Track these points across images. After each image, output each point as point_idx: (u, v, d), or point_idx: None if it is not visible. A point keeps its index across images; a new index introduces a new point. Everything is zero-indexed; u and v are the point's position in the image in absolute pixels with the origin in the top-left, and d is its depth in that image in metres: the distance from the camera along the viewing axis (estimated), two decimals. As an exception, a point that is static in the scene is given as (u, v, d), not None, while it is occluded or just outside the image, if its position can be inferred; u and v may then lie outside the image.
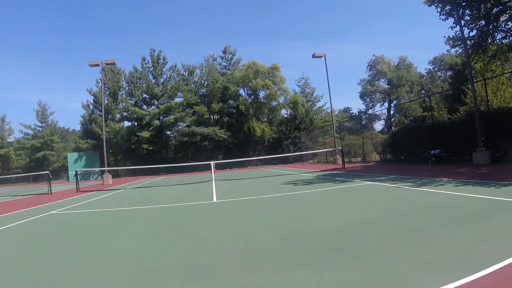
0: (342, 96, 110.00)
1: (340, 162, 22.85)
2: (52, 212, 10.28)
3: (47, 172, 20.43)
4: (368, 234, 4.61)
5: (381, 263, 3.43)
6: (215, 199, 10.23)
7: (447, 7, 18.17)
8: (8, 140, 52.72)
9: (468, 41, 17.85)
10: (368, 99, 60.56)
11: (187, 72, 48.41)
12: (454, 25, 18.29)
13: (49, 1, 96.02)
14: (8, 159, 48.26)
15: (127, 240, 5.57)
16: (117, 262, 4.26)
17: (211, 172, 22.35)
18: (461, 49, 18.97)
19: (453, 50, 21.02)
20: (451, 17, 18.19)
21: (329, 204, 7.79)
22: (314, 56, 30.13)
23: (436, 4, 18.73)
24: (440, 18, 18.63)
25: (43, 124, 50.35)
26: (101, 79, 33.47)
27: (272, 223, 5.95)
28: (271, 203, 8.58)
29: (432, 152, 18.20)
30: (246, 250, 4.28)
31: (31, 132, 49.21)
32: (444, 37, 19.42)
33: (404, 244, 3.98)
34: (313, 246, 4.21)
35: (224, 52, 49.57)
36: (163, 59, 46.20)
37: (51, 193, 18.43)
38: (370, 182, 11.40)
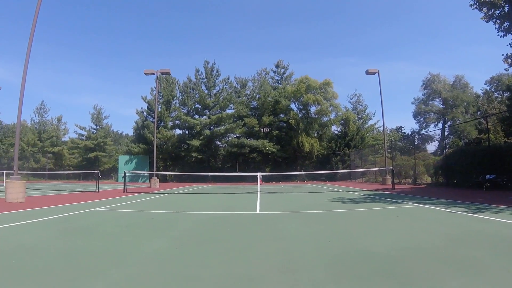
0: (394, 114, 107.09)
1: (390, 183, 21.81)
2: (96, 208, 10.29)
3: (96, 171, 20.90)
4: (418, 260, 4.03)
5: None
6: (258, 211, 9.80)
7: (506, 24, 17.24)
8: (63, 139, 55.93)
9: None
10: (421, 119, 58.56)
11: (239, 85, 49.03)
12: None
13: (111, 6, 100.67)
14: (61, 157, 50.80)
15: (164, 243, 5.27)
16: (150, 264, 3.94)
17: (257, 184, 22.07)
18: None
19: (511, 69, 19.76)
20: (510, 34, 17.24)
21: (377, 225, 7.11)
22: (367, 72, 29.41)
23: (494, 20, 17.81)
24: (498, 35, 17.69)
25: (98, 127, 52.57)
26: (155, 88, 34.24)
27: (316, 240, 5.42)
28: (316, 219, 8.03)
29: (487, 177, 17.00)
30: (286, 265, 3.84)
31: (85, 133, 51.53)
32: (503, 55, 18.30)
33: (456, 274, 3.45)
34: (358, 269, 3.69)
35: (277, 66, 49.70)
36: (217, 71, 46.94)
37: (98, 191, 18.73)
38: (421, 205, 10.53)
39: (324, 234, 6.02)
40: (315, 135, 46.58)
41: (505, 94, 44.23)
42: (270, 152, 42.92)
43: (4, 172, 26.12)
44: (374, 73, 29.32)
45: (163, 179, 39.87)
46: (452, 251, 4.53)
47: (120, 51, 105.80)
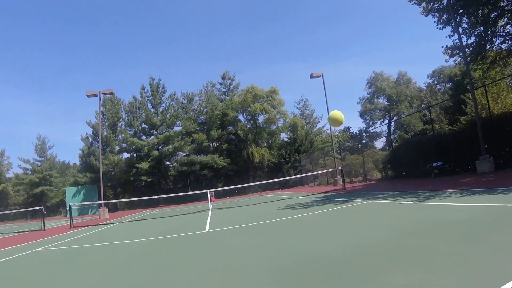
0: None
1: (341, 183, 22.04)
2: (39, 249, 9.80)
3: (41, 208, 19.91)
4: (366, 257, 4.00)
5: None
6: (207, 229, 9.65)
7: (444, 16, 18.14)
8: (7, 175, 52.75)
9: (466, 49, 17.64)
10: (368, 117, 60.18)
11: (186, 100, 48.69)
12: (452, 33, 18.28)
13: (52, 19, 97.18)
14: (6, 195, 48.12)
15: (100, 277, 5.09)
16: None
17: (208, 202, 21.67)
18: (460, 58, 18.58)
19: (451, 60, 20.54)
20: (448, 26, 18.16)
21: (326, 227, 7.12)
22: (312, 76, 29.83)
23: (433, 14, 18.74)
24: (437, 28, 18.63)
25: (42, 159, 50.30)
26: (99, 110, 32.97)
27: (261, 251, 5.38)
28: (265, 229, 7.97)
29: (434, 164, 17.49)
30: (227, 281, 3.80)
31: (29, 166, 49.10)
32: (442, 47, 19.21)
33: (407, 268, 3.37)
34: (303, 274, 3.63)
35: (223, 78, 49.89)
36: (162, 87, 46.41)
37: (44, 229, 17.95)
38: (371, 201, 10.75)
39: (270, 244, 6.01)
40: (265, 144, 46.94)
41: (448, 85, 46.08)
42: (221, 166, 42.51)
43: None
44: (318, 77, 29.82)
45: (114, 208, 38.61)
46: (402, 243, 4.49)
47: (61, 71, 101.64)
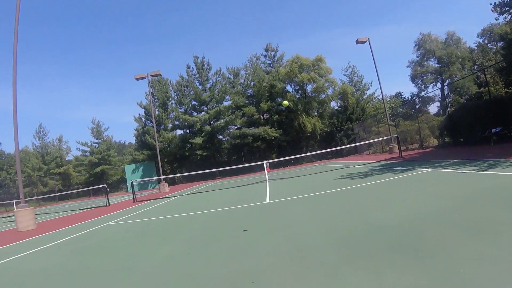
0: (392, 80, 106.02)
1: (397, 151, 21.50)
2: (108, 223, 10.28)
3: (104, 185, 20.84)
4: (431, 229, 3.91)
5: (446, 263, 2.81)
6: (268, 200, 9.70)
7: None
8: (67, 158, 55.77)
9: None
10: (419, 81, 57.67)
11: (232, 75, 48.57)
12: None
13: (91, 16, 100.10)
14: (68, 176, 51.03)
15: (174, 248, 5.26)
16: (162, 271, 3.96)
17: (265, 172, 21.94)
18: (510, 15, 17.42)
19: (501, 18, 19.38)
20: None
21: (388, 196, 6.96)
22: (357, 42, 28.94)
23: None
24: None
25: (99, 140, 52.43)
26: (149, 91, 33.96)
27: (325, 222, 5.35)
28: (326, 200, 7.90)
29: (493, 130, 16.75)
30: (295, 253, 3.77)
31: (88, 149, 51.42)
32: (490, 4, 17.99)
33: (472, 239, 3.29)
34: (370, 245, 3.60)
35: (267, 50, 49.10)
36: (208, 65, 46.59)
37: (109, 205, 18.78)
38: (431, 169, 10.27)
39: (334, 215, 5.92)
40: (315, 113, 46.27)
41: (499, 44, 43.58)
42: (273, 137, 42.77)
43: (14, 201, 26.30)
44: (364, 42, 28.87)
45: (172, 182, 39.90)
46: (466, 214, 4.39)
47: (109, 59, 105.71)
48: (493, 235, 3.33)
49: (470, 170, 8.51)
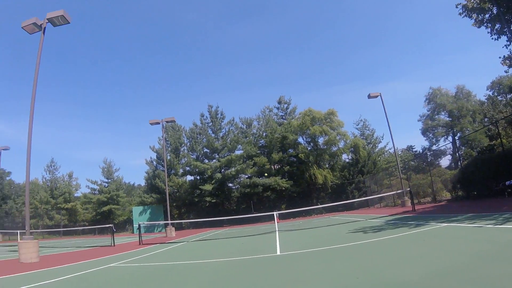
0: (403, 134, 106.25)
1: (409, 204, 21.14)
2: (112, 264, 10.05)
3: (111, 225, 20.78)
4: (449, 285, 3.74)
5: None
6: (278, 252, 9.35)
7: (497, 26, 17.30)
8: (76, 195, 55.75)
9: None
10: (430, 135, 57.72)
11: (245, 125, 49.48)
12: (508, 43, 17.25)
13: (109, 61, 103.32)
14: (75, 212, 50.82)
15: None
16: None
17: (274, 223, 21.63)
18: None
19: (511, 70, 19.64)
20: (503, 35, 17.26)
21: (404, 252, 6.73)
22: (369, 96, 29.40)
23: (485, 24, 17.91)
24: (492, 38, 17.78)
25: (109, 180, 52.54)
26: (162, 136, 34.44)
27: (340, 279, 5.07)
28: (340, 254, 7.63)
29: (507, 183, 16.53)
30: None
31: (97, 187, 51.41)
32: (500, 57, 18.26)
33: None
34: None
35: (280, 102, 50.23)
36: (221, 114, 47.50)
37: (114, 245, 18.57)
38: (446, 224, 10.11)
39: (349, 271, 5.64)
40: (327, 165, 46.32)
41: (509, 96, 43.86)
42: (284, 188, 42.52)
43: (18, 231, 26.33)
44: (376, 97, 29.31)
45: (179, 227, 39.49)
46: (486, 270, 4.22)
47: (124, 104, 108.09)
48: None
49: (487, 224, 8.33)
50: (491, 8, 17.18)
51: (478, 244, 6.12)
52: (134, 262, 10.36)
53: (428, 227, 10.38)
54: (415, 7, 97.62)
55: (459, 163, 27.87)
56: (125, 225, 48.44)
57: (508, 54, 17.69)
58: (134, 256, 12.21)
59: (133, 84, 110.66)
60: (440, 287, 3.78)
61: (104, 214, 48.71)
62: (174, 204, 43.29)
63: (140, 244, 18.22)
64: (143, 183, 53.15)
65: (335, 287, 4.59)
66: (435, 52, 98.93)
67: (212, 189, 41.95)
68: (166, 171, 32.97)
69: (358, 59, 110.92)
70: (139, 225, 20.57)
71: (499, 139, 23.51)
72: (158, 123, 30.21)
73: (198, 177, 45.61)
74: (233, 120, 48.37)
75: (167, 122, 31.68)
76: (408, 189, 22.93)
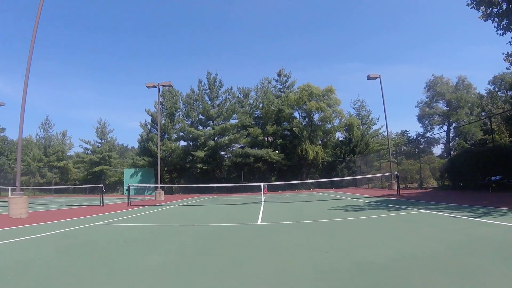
0: (399, 119, 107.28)
1: (396, 188, 21.61)
2: (99, 223, 10.34)
3: (100, 185, 21.00)
4: (416, 270, 3.95)
5: None
6: (259, 222, 9.72)
7: (504, 22, 17.13)
8: (68, 153, 56.54)
9: None
10: (426, 122, 57.98)
11: (242, 95, 49.26)
12: None
13: (111, 23, 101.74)
14: (67, 171, 51.60)
15: (160, 258, 5.22)
16: (142, 281, 3.95)
17: (262, 194, 22.02)
18: None
19: None
20: (509, 32, 17.15)
21: (378, 234, 6.99)
22: (369, 77, 29.21)
23: (492, 19, 17.74)
24: (497, 33, 17.63)
25: (102, 141, 52.63)
26: (158, 100, 34.43)
27: (313, 252, 5.32)
28: (316, 229, 7.92)
29: (492, 178, 16.88)
30: (278, 279, 3.80)
31: (90, 147, 51.53)
32: (503, 53, 18.21)
33: (455, 284, 3.37)
34: (351, 282, 3.60)
35: (279, 75, 49.84)
36: (219, 82, 47.09)
37: (103, 205, 18.78)
38: (425, 211, 10.41)
39: (322, 245, 5.92)
40: (320, 142, 46.58)
41: (509, 93, 43.94)
42: (275, 161, 42.94)
43: (9, 187, 26.56)
44: (375, 78, 29.15)
45: (169, 191, 39.88)
46: (453, 258, 4.46)
47: (123, 67, 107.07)
48: (476, 281, 3.40)
49: (463, 216, 8.58)
50: (500, 2, 17.02)
51: (450, 234, 6.37)
52: (120, 222, 10.64)
53: (407, 211, 10.70)
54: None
55: (450, 153, 28.14)
56: (116, 186, 48.80)
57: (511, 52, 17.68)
58: (121, 216, 12.49)
59: (133, 48, 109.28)
60: (405, 271, 3.99)
61: (95, 174, 49.10)
62: (165, 169, 43.61)
63: (128, 205, 18.46)
64: (136, 145, 53.35)
65: (305, 259, 4.81)
66: (442, 41, 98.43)
67: (204, 156, 42.21)
68: (159, 134, 33.18)
69: (364, 40, 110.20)
70: (128, 186, 20.90)
71: (491, 134, 23.75)
72: (155, 87, 30.03)
73: (191, 143, 45.78)
74: (231, 88, 48.11)
75: (164, 86, 31.53)
76: (396, 173, 23.26)
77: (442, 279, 3.56)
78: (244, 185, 26.08)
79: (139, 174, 43.00)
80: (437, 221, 8.30)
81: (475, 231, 6.54)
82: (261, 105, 47.23)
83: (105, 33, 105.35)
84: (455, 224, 7.57)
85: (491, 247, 5.06)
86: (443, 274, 3.74)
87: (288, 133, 45.96)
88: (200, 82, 47.35)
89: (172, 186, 41.43)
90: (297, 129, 43.60)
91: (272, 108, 45.01)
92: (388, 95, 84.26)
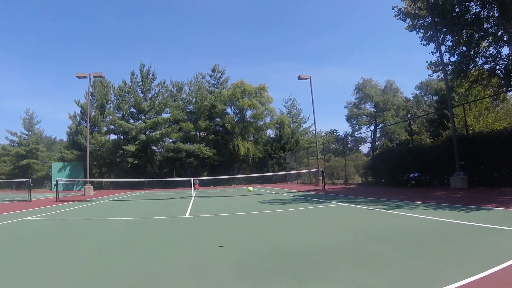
0: (329, 118, 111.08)
1: (322, 183, 22.83)
2: (26, 218, 10.26)
3: (28, 180, 20.28)
4: (322, 255, 4.57)
5: (319, 282, 3.40)
6: (187, 215, 10.14)
7: (429, 33, 18.51)
8: (-7, 146, 52.36)
9: (449, 66, 18.16)
10: (354, 122, 61.24)
11: (175, 89, 48.92)
12: (435, 50, 18.67)
13: (41, 7, 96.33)
14: (-8, 165, 47.85)
15: (86, 250, 5.44)
16: (67, 272, 4.12)
17: (193, 189, 22.24)
18: (442, 74, 19.25)
19: (435, 75, 21.39)
20: (432, 43, 18.54)
21: (296, 224, 7.74)
22: (299, 77, 30.26)
23: (417, 30, 19.10)
24: (421, 44, 19.05)
25: (29, 133, 50.16)
26: (88, 91, 33.30)
27: (233, 241, 5.87)
28: (241, 221, 8.52)
29: (411, 175, 18.36)
30: (196, 265, 4.21)
31: (16, 139, 48.95)
32: (427, 62, 19.69)
33: (353, 267, 3.92)
34: (263, 265, 4.15)
35: (213, 71, 50.13)
36: (153, 75, 46.48)
37: (30, 200, 18.34)
38: (344, 204, 11.44)
39: (242, 235, 6.53)
40: (251, 138, 47.56)
41: (434, 98, 47.14)
42: (207, 156, 43.13)
43: None
44: (306, 79, 30.23)
45: (99, 186, 38.87)
46: (358, 246, 5.05)
47: (53, 55, 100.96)
48: (370, 265, 3.95)
49: (377, 208, 9.54)
50: (425, 15, 18.30)
51: (361, 224, 7.20)
52: (48, 217, 10.62)
53: (327, 204, 11.73)
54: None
55: (375, 152, 29.89)
56: (44, 181, 46.66)
57: (435, 60, 19.08)
58: (48, 212, 12.39)
59: (63, 36, 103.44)
60: (312, 254, 4.59)
61: (22, 168, 46.70)
62: (95, 163, 42.21)
63: (56, 200, 18.06)
64: (65, 138, 51.05)
65: (224, 248, 5.28)
66: (373, 46, 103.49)
67: (135, 150, 41.59)
68: (88, 127, 32.18)
69: (299, 41, 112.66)
70: (56, 181, 20.33)
71: (411, 135, 26.02)
72: (85, 77, 29.00)
73: (122, 137, 44.58)
74: (164, 82, 47.62)
75: (94, 77, 30.63)
76: (322, 169, 24.37)
77: (342, 262, 4.17)
78: (176, 180, 26.06)
79: (68, 168, 41.13)
80: (352, 213, 9.20)
81: (385, 222, 7.37)
82: (194, 100, 47.30)
83: (33, 15, 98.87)
84: (368, 216, 8.44)
85: (395, 235, 5.79)
86: (345, 258, 4.36)
87: (221, 128, 46.44)
88: (133, 74, 46.42)
89: (102, 181, 40.36)
90: (229, 125, 44.13)
91: (205, 103, 45.15)
92: (319, 95, 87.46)
